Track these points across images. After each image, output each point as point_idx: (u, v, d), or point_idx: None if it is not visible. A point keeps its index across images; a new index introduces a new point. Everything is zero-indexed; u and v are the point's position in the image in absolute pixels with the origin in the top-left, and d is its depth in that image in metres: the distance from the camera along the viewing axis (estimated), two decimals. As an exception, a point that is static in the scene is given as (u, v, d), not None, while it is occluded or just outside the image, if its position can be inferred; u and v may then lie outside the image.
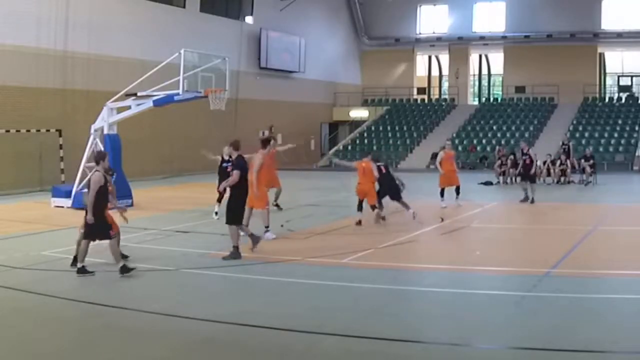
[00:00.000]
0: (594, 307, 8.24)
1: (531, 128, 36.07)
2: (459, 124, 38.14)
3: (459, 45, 41.67)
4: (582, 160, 25.41)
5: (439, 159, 18.38)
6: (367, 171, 14.90)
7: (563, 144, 27.06)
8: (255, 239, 11.70)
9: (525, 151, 19.73)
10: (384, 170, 15.33)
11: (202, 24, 30.34)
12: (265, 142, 14.04)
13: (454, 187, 18.12)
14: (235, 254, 11.12)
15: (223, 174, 15.46)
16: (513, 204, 20.11)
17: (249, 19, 34.24)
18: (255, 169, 13.11)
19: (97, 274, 10.28)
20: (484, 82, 45.31)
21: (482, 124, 37.76)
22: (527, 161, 19.34)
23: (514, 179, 25.68)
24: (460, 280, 9.93)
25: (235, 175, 11.15)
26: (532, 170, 19.52)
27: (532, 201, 18.69)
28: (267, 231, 13.23)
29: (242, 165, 11.32)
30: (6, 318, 8.09)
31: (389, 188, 15.40)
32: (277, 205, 17.01)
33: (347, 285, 9.49)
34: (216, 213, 15.42)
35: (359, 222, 14.74)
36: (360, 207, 15.05)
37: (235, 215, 11.28)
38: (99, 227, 9.96)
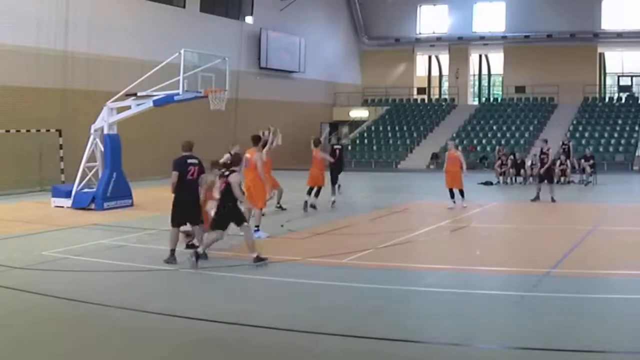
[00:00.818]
0: (594, 307, 8.24)
1: (531, 128, 36.06)
2: (459, 124, 38.14)
3: (459, 45, 41.68)
4: (582, 160, 25.41)
5: (445, 160, 18.35)
6: (317, 159, 17.09)
7: (563, 144, 27.07)
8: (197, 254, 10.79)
9: (544, 150, 19.35)
10: (338, 154, 17.69)
11: (202, 24, 30.34)
12: (256, 140, 14.05)
13: (459, 190, 17.80)
14: (170, 258, 10.76)
15: None
16: (513, 204, 20.13)
17: (249, 19, 34.24)
18: (260, 168, 13.20)
19: (97, 274, 10.28)
20: (484, 82, 45.32)
21: (482, 124, 37.76)
22: (545, 160, 19.08)
23: (513, 178, 25.74)
24: (460, 280, 9.93)
25: (173, 176, 10.92)
26: (549, 170, 19.23)
27: (552, 199, 18.60)
28: (257, 230, 13.22)
29: (178, 165, 11.05)
30: (6, 318, 8.08)
31: (338, 172, 17.93)
32: (280, 206, 17.01)
33: (347, 285, 9.49)
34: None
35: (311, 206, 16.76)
36: (310, 192, 16.97)
37: (172, 216, 10.99)
38: (232, 215, 10.81)
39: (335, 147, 18.45)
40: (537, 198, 18.95)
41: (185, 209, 11.00)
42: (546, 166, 19.31)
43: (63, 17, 24.00)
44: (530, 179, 25.62)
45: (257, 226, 13.29)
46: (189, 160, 11.14)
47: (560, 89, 38.08)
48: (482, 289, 9.42)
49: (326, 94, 41.08)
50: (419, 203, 19.64)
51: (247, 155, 13.62)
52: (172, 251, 10.82)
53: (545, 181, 19.20)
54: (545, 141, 20.37)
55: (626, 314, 7.99)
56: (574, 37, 38.58)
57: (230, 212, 10.77)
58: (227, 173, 10.85)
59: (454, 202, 17.74)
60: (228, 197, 10.72)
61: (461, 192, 17.79)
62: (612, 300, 8.60)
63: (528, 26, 39.22)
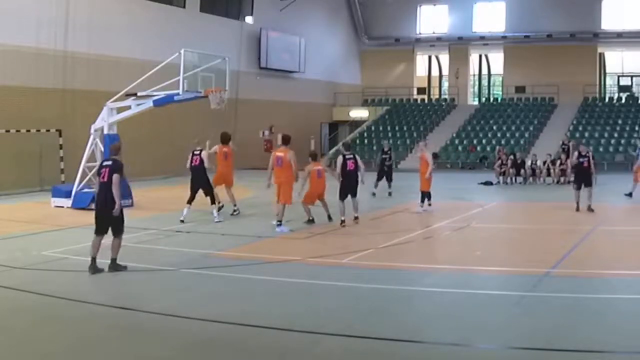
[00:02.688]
0: (594, 307, 8.24)
1: (531, 128, 36.05)
2: (459, 124, 38.13)
3: (459, 45, 41.67)
4: (583, 160, 25.32)
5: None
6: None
7: (563, 143, 27.08)
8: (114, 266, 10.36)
9: (584, 153, 17.77)
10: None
11: (202, 24, 30.33)
12: (286, 139, 14.51)
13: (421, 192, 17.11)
14: (91, 267, 10.13)
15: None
16: (513, 204, 20.11)
17: (249, 19, 34.23)
18: (294, 167, 13.72)
19: (97, 274, 10.26)
20: (484, 82, 45.31)
21: (482, 124, 37.75)
22: (586, 164, 17.52)
23: (513, 178, 25.72)
24: (460, 280, 9.92)
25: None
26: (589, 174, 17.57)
27: (590, 208, 16.88)
28: (279, 225, 13.83)
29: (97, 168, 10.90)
30: (6, 318, 8.09)
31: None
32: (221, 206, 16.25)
33: (347, 285, 9.49)
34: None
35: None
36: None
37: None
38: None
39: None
40: (579, 207, 17.11)
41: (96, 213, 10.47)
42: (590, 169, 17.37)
43: (63, 17, 24.00)
44: (530, 179, 25.65)
45: (280, 221, 13.78)
46: (104, 163, 10.70)
47: (560, 89, 38.08)
48: (482, 289, 9.41)
49: (326, 94, 41.08)
50: (418, 203, 19.61)
51: (280, 154, 13.76)
52: (93, 259, 10.14)
53: (583, 185, 17.28)
54: (586, 144, 18.80)
55: (626, 314, 7.99)
56: (574, 37, 38.56)
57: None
58: (350, 156, 14.90)
59: (422, 205, 17.07)
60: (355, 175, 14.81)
61: (422, 195, 16.99)
62: (612, 300, 8.60)
63: (528, 26, 39.21)
